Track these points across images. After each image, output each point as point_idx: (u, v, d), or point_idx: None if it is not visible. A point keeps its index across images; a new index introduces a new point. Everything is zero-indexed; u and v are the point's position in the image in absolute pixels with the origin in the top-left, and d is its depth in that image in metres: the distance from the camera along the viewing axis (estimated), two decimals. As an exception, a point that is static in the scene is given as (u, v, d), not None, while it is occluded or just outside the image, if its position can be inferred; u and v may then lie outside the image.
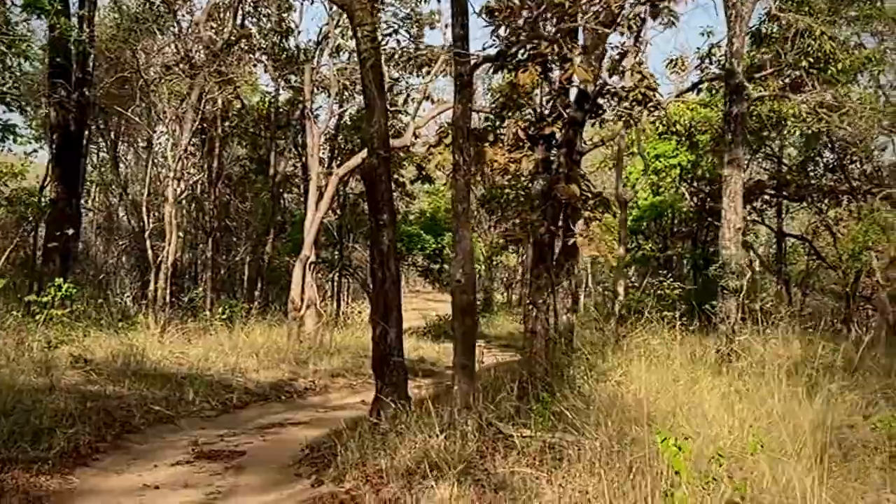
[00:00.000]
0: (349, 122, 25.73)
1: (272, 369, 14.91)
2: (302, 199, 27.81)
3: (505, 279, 46.84)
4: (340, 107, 24.17)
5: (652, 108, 8.62)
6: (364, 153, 19.81)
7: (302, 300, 18.57)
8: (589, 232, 9.25)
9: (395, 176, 28.51)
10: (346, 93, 23.25)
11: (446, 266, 33.10)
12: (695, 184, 27.09)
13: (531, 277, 9.60)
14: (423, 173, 28.35)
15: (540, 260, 9.53)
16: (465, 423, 6.99)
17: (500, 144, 10.02)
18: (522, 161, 9.97)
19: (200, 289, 19.42)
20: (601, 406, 7.48)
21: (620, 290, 16.51)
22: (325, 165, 23.80)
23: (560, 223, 9.60)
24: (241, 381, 13.44)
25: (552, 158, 9.49)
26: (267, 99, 26.05)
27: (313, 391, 14.49)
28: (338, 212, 26.19)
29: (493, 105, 11.28)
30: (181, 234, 21.28)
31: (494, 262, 43.39)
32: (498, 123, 10.22)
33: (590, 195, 9.98)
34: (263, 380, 13.98)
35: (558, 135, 9.69)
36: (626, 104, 8.55)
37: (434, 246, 30.54)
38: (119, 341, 13.54)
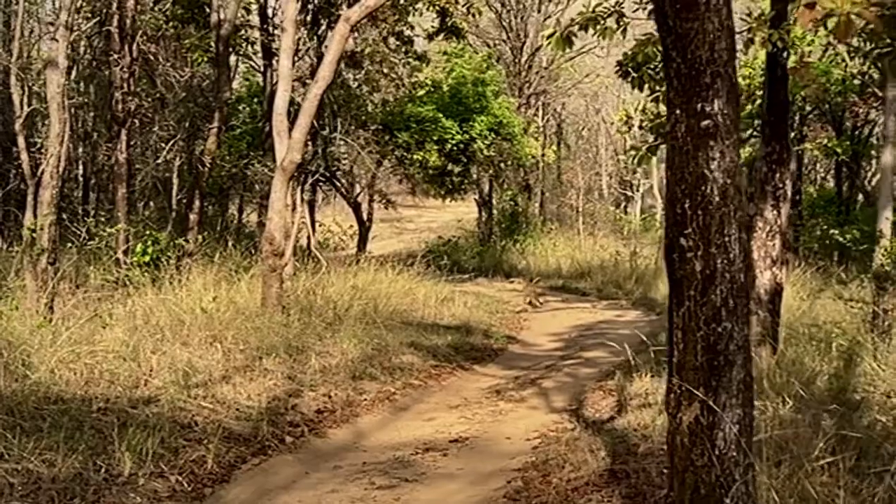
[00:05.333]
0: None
1: (254, 374, 11.05)
2: (259, 63, 23.57)
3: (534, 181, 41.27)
4: None
5: None
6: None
7: (287, 236, 14.54)
8: None
9: (400, 28, 24.37)
10: None
11: (474, 170, 29.11)
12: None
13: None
14: (449, 24, 24.28)
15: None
16: None
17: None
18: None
19: (119, 224, 15.08)
20: None
21: (885, 225, 12.65)
22: (305, 8, 19.44)
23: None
24: (210, 409, 9.60)
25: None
26: None
27: (333, 417, 10.76)
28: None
29: None
30: (73, 122, 16.95)
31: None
32: None
33: None
34: (246, 402, 10.12)
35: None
36: None
37: (458, 137, 26.30)
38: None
